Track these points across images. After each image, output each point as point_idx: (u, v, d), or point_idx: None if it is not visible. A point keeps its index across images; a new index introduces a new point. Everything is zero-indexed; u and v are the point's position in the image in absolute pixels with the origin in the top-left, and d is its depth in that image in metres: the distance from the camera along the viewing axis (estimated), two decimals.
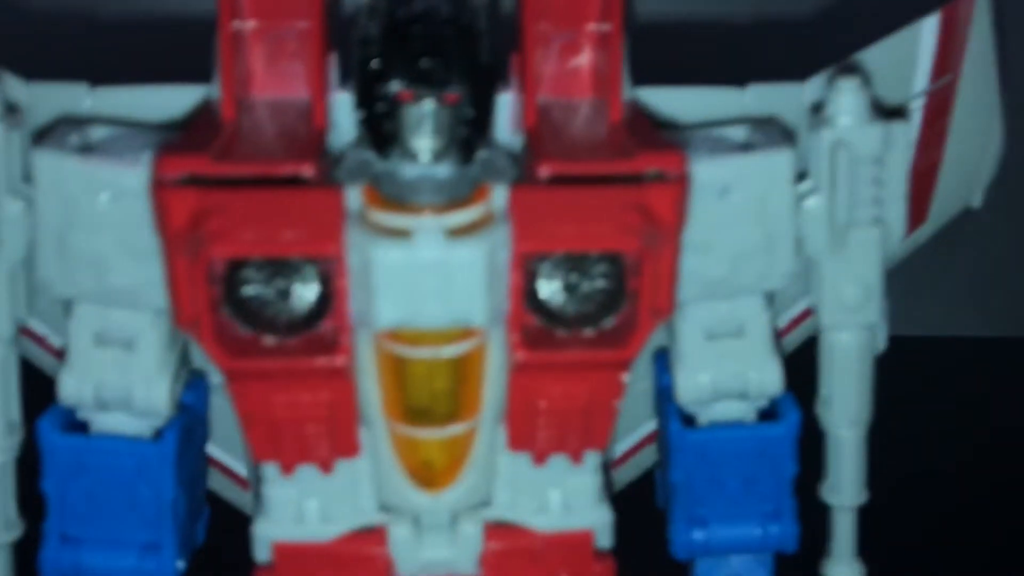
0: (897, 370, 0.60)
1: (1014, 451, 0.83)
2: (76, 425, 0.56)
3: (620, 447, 0.63)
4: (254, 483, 0.61)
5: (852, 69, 0.57)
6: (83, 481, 0.55)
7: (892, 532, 0.66)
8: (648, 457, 0.64)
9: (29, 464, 0.56)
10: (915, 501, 0.77)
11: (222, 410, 0.59)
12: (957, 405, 0.88)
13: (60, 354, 0.57)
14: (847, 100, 0.54)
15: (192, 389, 0.57)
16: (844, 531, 0.60)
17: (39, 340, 0.58)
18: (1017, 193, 0.91)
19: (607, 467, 0.59)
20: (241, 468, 0.62)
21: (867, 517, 0.60)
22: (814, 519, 0.60)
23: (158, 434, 0.55)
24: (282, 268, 0.50)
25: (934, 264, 0.94)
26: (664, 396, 0.58)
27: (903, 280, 0.62)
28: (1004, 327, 0.97)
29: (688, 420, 0.58)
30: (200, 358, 0.57)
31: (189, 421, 0.57)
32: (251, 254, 0.49)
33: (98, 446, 0.55)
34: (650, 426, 0.63)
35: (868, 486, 0.60)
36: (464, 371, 0.52)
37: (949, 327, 0.97)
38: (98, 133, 0.54)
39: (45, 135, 0.53)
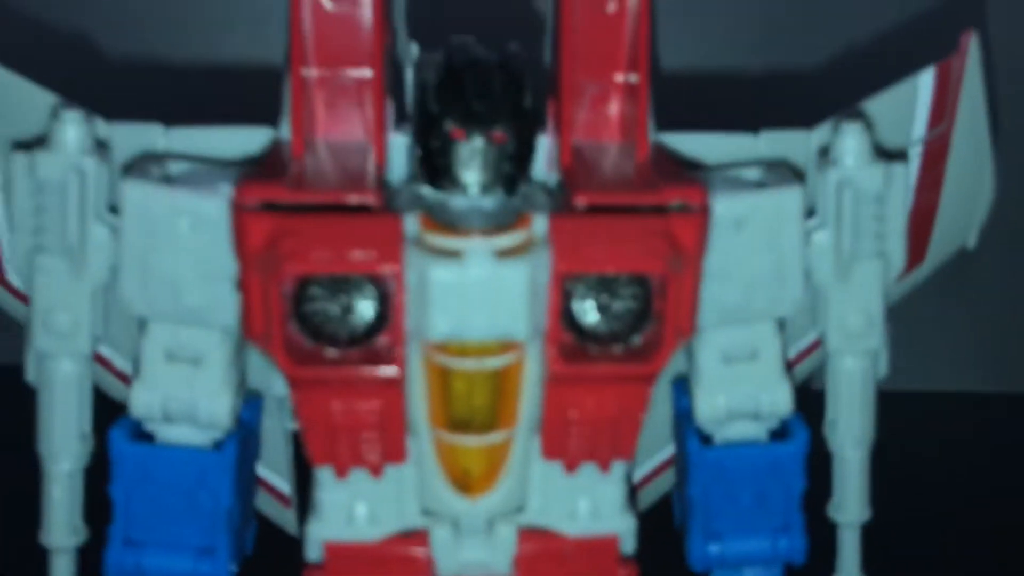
0: (899, 424, 0.63)
1: (1013, 489, 0.86)
2: (142, 436, 0.58)
3: (641, 471, 0.65)
4: (296, 499, 0.64)
5: (856, 116, 0.59)
6: (148, 488, 0.57)
7: (896, 551, 0.68)
8: (667, 481, 0.66)
9: (90, 473, 0.58)
10: (919, 526, 0.79)
11: (268, 430, 0.62)
12: (957, 456, 0.90)
13: (123, 377, 0.59)
14: (851, 142, 0.57)
15: (248, 406, 0.59)
16: (849, 547, 0.62)
17: (105, 363, 0.60)
18: (1018, 248, 0.95)
19: (630, 485, 0.60)
20: (284, 486, 0.64)
21: (872, 538, 0.62)
22: (824, 534, 0.61)
23: (217, 446, 0.57)
24: (344, 286, 0.52)
25: (936, 321, 0.96)
26: (683, 418, 0.60)
27: (905, 335, 0.64)
28: (1004, 383, 0.99)
29: (705, 439, 0.60)
30: (255, 378, 0.60)
31: (245, 435, 0.59)
32: (319, 272, 0.51)
33: (164, 455, 0.57)
34: (668, 451, 0.65)
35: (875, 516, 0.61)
36: (504, 383, 0.55)
37: (950, 382, 0.99)
38: (176, 167, 0.57)
39: (131, 168, 0.56)
